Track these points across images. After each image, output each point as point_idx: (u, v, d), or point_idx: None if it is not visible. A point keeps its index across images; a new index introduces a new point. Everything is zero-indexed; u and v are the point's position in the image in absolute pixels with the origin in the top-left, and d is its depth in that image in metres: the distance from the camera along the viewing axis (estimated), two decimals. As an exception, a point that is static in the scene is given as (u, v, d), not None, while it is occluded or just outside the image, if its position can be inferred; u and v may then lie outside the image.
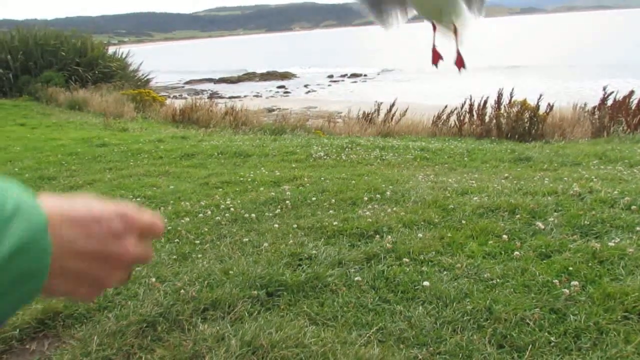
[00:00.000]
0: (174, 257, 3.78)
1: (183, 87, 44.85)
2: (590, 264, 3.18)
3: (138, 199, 5.63)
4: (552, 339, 2.42)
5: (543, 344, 2.39)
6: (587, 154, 7.75)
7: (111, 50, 25.34)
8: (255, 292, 3.04)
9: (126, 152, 9.06)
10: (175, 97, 31.55)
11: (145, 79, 24.90)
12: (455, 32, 2.52)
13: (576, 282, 2.89)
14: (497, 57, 54.15)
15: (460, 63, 2.69)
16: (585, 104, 12.02)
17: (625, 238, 3.54)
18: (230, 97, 32.65)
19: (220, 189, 6.04)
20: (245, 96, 35.12)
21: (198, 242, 4.12)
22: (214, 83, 47.18)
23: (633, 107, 11.13)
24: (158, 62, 62.64)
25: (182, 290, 3.07)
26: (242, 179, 6.47)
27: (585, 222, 3.90)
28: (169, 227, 4.45)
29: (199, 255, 3.79)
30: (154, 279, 3.27)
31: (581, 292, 2.81)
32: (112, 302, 3.02)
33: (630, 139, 9.52)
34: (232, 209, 4.98)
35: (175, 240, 4.18)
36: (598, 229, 3.78)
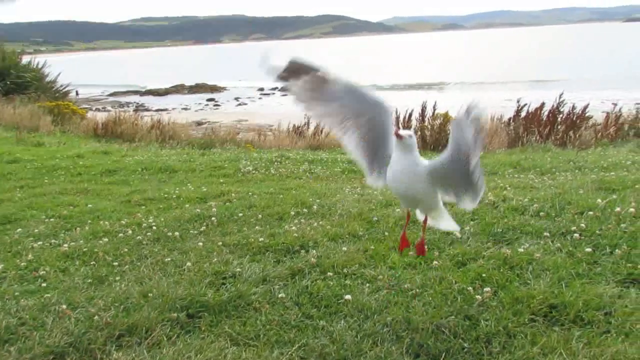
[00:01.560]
0: (89, 280, 3.59)
1: (106, 99, 42.99)
2: (501, 270, 3.35)
3: (52, 220, 5.30)
4: (466, 345, 2.52)
5: (457, 350, 2.48)
6: (503, 163, 8.20)
7: (26, 59, 23.81)
8: (175, 314, 2.93)
9: (40, 168, 8.53)
10: (97, 109, 30.15)
11: (64, 90, 23.59)
12: (425, 222, 2.74)
13: (488, 288, 3.04)
14: (422, 72, 56.39)
15: (420, 249, 2.90)
16: (501, 116, 12.76)
17: (533, 244, 3.77)
18: (157, 110, 31.71)
19: (143, 207, 5.83)
20: (173, 109, 34.21)
21: (116, 263, 3.93)
22: (140, 95, 45.60)
23: (544, 119, 11.95)
24: (79, 73, 59.76)
25: (95, 317, 2.91)
26: (166, 195, 6.28)
27: (498, 229, 4.11)
28: (84, 249, 4.22)
29: (117, 278, 3.61)
30: (64, 306, 3.07)
31: (493, 298, 2.96)
32: (14, 333, 2.80)
33: (542, 148, 10.21)
34: (154, 227, 4.82)
35: (92, 263, 3.96)
36: (509, 235, 4.00)
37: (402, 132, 2.48)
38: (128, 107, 33.46)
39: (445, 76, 49.95)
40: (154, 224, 4.91)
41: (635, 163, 7.23)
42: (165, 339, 2.72)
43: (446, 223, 2.92)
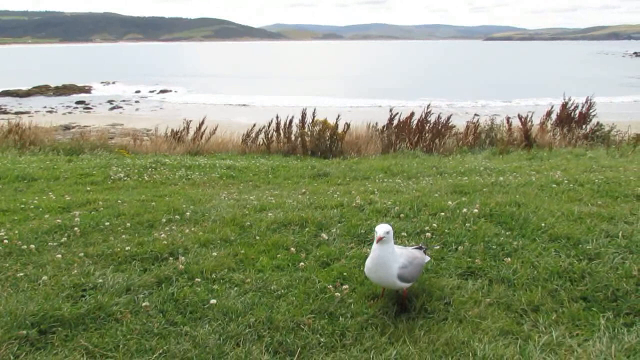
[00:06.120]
0: None
1: (-51, 102, 38.02)
2: (361, 268, 3.58)
3: None
4: (322, 339, 2.68)
5: (314, 345, 2.64)
6: (375, 168, 8.72)
7: None
8: (25, 331, 2.74)
9: None
10: (-59, 111, 26.61)
11: None
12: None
13: (347, 286, 3.25)
14: (305, 83, 57.75)
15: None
16: (376, 124, 13.51)
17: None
18: (17, 113, 28.76)
19: (-6, 219, 5.30)
20: (36, 112, 31.36)
21: (-43, 283, 3.54)
22: (-4, 97, 41.04)
23: (413, 127, 12.89)
24: None
25: None
26: (23, 206, 5.77)
27: (362, 230, 4.39)
28: None
29: (-43, 299, 3.26)
30: None
31: (351, 294, 3.18)
32: None
33: (411, 155, 11.01)
34: (6, 240, 4.41)
35: None
36: (372, 236, 4.28)
37: (379, 230, 2.92)
38: (-20, 109, 29.96)
39: (329, 86, 51.63)
40: (5, 237, 4.49)
41: (487, 169, 8.11)
42: (12, 358, 2.53)
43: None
